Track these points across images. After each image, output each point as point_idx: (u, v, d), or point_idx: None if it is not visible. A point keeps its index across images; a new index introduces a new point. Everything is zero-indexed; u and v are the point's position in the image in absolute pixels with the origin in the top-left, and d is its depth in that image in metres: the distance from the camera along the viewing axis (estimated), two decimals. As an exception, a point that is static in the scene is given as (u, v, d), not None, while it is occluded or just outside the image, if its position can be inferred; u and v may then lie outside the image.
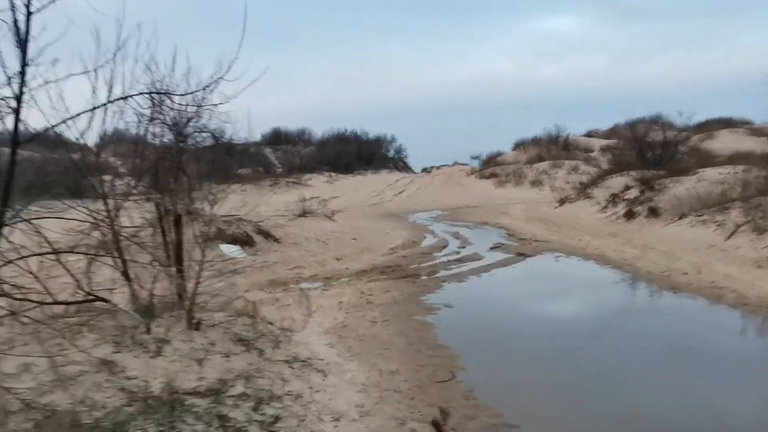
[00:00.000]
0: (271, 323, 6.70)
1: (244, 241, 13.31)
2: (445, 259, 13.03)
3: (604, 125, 62.42)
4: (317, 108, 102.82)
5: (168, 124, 13.87)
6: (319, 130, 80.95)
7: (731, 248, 10.90)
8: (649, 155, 27.53)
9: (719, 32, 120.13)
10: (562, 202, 25.47)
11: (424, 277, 10.85)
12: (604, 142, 54.89)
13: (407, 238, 16.66)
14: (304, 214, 21.22)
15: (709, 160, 25.64)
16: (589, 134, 60.61)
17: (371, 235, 17.16)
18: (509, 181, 43.13)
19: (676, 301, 8.64)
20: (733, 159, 23.78)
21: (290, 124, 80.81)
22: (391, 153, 67.81)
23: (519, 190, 40.49)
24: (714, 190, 16.33)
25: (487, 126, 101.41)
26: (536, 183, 41.52)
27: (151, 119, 6.72)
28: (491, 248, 14.59)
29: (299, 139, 70.14)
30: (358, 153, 60.55)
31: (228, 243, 13.04)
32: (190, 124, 13.87)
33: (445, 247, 15.12)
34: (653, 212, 16.08)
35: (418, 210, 29.45)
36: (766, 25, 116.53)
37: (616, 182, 24.87)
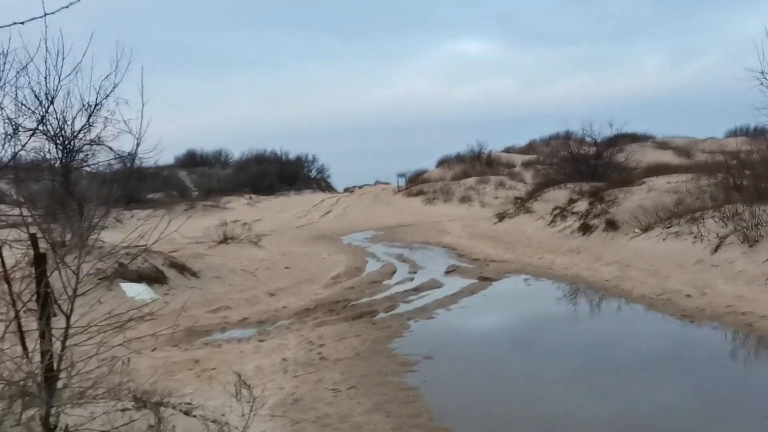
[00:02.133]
0: (188, 412, 4.47)
1: (153, 278, 10.78)
2: (400, 288, 11.08)
3: (519, 142, 63.96)
4: (236, 129, 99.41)
5: (49, 135, 11.13)
6: (238, 151, 77.80)
7: (724, 263, 9.66)
8: (583, 168, 27.15)
9: (618, 57, 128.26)
10: (501, 217, 24.28)
11: (382, 315, 8.83)
12: (525, 157, 55.59)
13: (349, 263, 14.60)
14: (226, 240, 18.69)
15: (630, 171, 25.51)
16: (507, 150, 61.40)
17: (307, 262, 14.98)
18: (438, 198, 42.34)
19: (703, 334, 7.10)
20: (651, 170, 23.83)
21: (207, 145, 76.86)
22: (314, 173, 65.75)
23: (449, 206, 39.61)
24: (668, 199, 15.49)
25: (406, 145, 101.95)
26: (465, 199, 40.88)
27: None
28: (447, 272, 12.81)
29: (216, 160, 66.77)
30: (279, 173, 58.01)
31: (132, 281, 10.48)
32: (80, 136, 11.16)
33: (393, 273, 13.19)
34: (611, 225, 14.94)
35: (351, 231, 27.45)
36: (659, 50, 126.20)
37: (556, 195, 24.04)
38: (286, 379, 5.89)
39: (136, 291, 10.13)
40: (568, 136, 64.01)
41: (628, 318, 8.27)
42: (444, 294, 10.17)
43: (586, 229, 15.73)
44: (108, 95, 11.50)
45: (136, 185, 50.35)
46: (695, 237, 11.34)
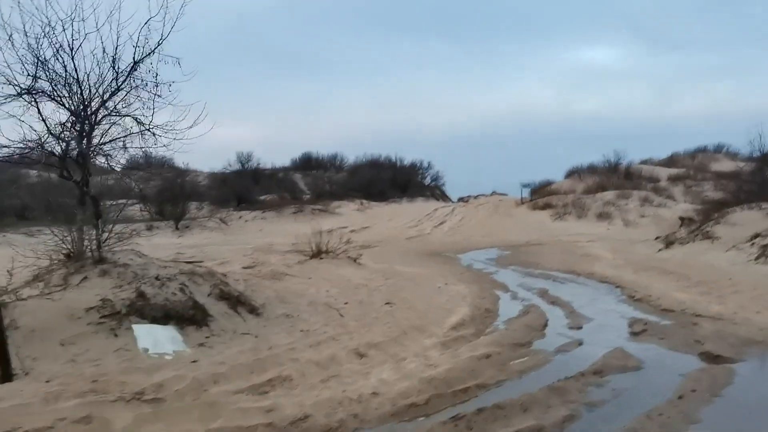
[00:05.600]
0: None
1: (188, 318, 7.23)
2: (565, 363, 6.67)
3: (656, 155, 56.39)
4: (350, 134, 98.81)
5: (67, 107, 7.76)
6: (352, 155, 76.62)
7: None
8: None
9: (757, 63, 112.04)
10: (668, 243, 18.85)
11: (556, 442, 4.55)
12: (671, 170, 48.43)
13: (474, 301, 10.37)
14: (319, 254, 15.21)
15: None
16: (645, 163, 54.30)
17: (416, 294, 10.94)
18: (569, 213, 36.96)
19: None
20: None
21: (322, 149, 76.06)
22: (428, 180, 62.29)
23: (583, 223, 34.13)
24: None
25: (524, 156, 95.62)
26: (603, 216, 35.17)
27: None
28: (634, 333, 8.19)
29: (331, 164, 65.56)
30: (392, 180, 55.08)
31: (154, 322, 6.99)
32: (104, 107, 7.75)
33: (545, 325, 8.77)
34: None
35: (469, 247, 23.15)
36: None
37: (747, 217, 18.24)
38: None
39: (154, 339, 6.60)
40: (718, 150, 55.42)
41: None
42: (653, 390, 5.64)
43: (841, 273, 10.32)
44: (153, 51, 8.19)
45: (249, 185, 49.59)
46: None
